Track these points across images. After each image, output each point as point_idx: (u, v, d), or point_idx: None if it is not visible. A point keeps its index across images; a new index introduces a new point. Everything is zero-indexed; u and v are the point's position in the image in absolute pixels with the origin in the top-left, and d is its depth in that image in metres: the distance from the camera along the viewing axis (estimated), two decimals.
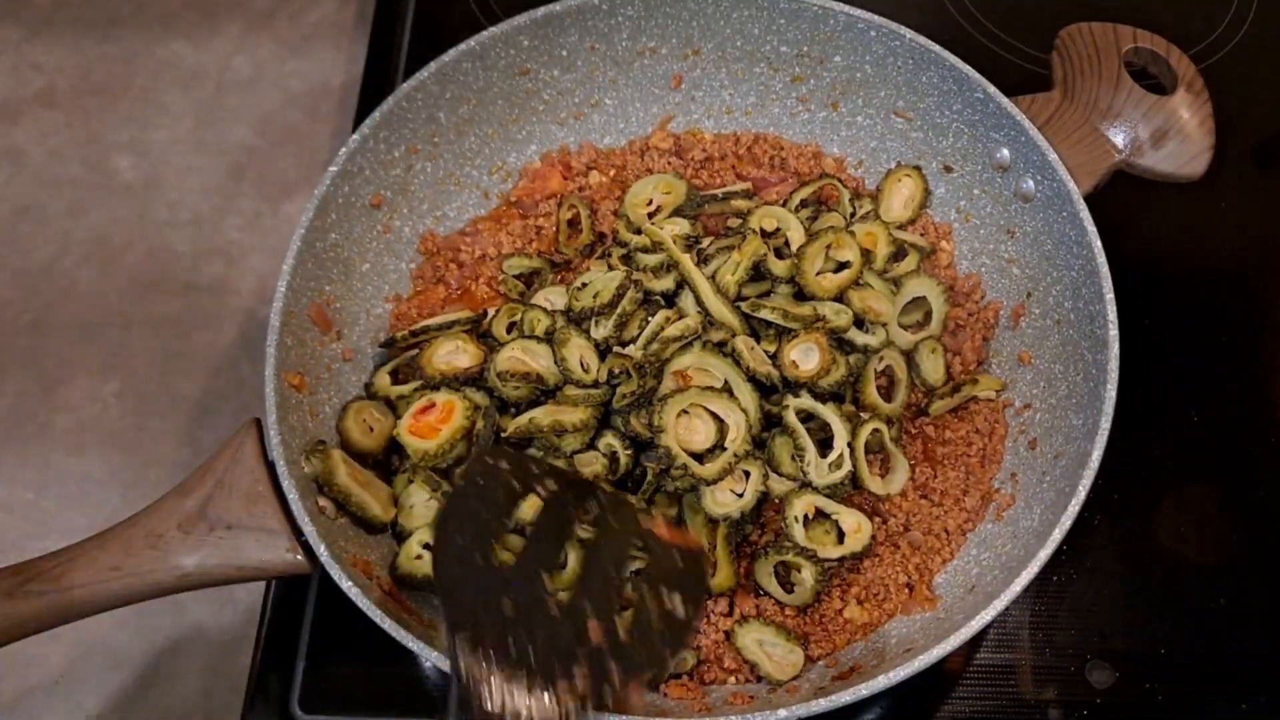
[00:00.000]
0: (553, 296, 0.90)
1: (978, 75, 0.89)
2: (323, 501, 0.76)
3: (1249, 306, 1.00)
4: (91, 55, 1.19)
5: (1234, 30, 1.14)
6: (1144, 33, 0.94)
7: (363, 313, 0.90)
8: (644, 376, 0.82)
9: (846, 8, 0.92)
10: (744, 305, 0.85)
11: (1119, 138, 0.89)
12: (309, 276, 0.84)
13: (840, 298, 0.87)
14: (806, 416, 0.82)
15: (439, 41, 0.91)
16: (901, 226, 0.95)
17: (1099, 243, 0.81)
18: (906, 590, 0.81)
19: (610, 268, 0.90)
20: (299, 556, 0.72)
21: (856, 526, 0.80)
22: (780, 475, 0.81)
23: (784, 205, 0.94)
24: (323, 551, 0.71)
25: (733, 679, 0.78)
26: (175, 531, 0.71)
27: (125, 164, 1.13)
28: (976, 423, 0.87)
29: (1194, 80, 0.92)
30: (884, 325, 0.88)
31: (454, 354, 0.85)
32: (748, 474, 0.80)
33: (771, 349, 0.84)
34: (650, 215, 0.93)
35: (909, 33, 0.91)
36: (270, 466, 0.74)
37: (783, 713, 0.66)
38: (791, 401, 0.82)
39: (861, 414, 0.84)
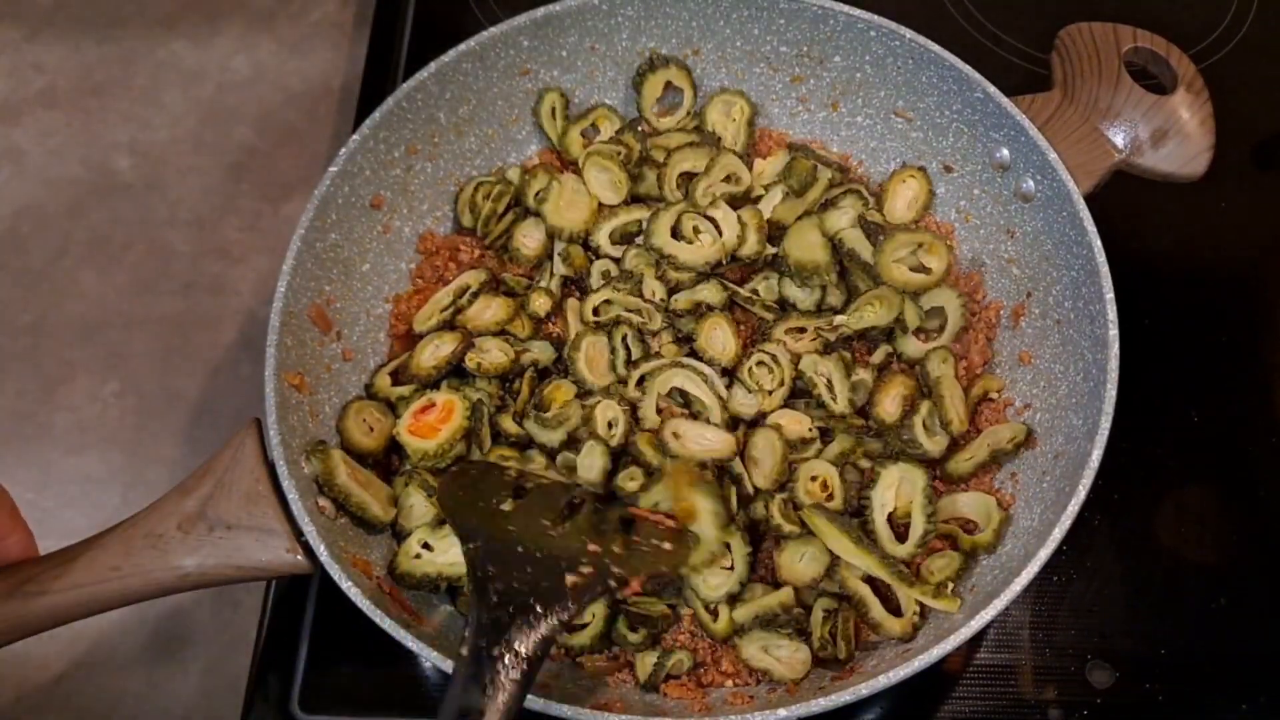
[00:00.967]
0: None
1: (978, 75, 0.89)
2: (323, 501, 0.76)
3: (1249, 306, 1.00)
4: (91, 55, 1.19)
5: (1234, 30, 1.14)
6: (1144, 33, 0.94)
7: (363, 313, 0.90)
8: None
9: (846, 8, 0.92)
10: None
11: (1119, 138, 0.89)
12: (309, 276, 0.84)
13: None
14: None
15: (439, 41, 0.91)
16: (906, 227, 0.94)
17: (1099, 243, 0.81)
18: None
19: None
20: (299, 556, 0.72)
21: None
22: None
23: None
24: (323, 551, 0.71)
25: (730, 682, 0.78)
26: (175, 531, 0.71)
27: (125, 164, 1.13)
28: (978, 423, 0.87)
29: (1194, 80, 0.92)
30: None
31: (436, 350, 0.86)
32: (728, 545, 0.78)
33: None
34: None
35: (909, 33, 0.91)
36: (270, 466, 0.74)
37: (783, 713, 0.66)
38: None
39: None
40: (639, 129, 0.97)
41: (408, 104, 0.90)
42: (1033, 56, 1.11)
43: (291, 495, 0.73)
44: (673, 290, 0.89)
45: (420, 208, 0.95)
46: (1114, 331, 0.78)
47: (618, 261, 0.91)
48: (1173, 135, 0.90)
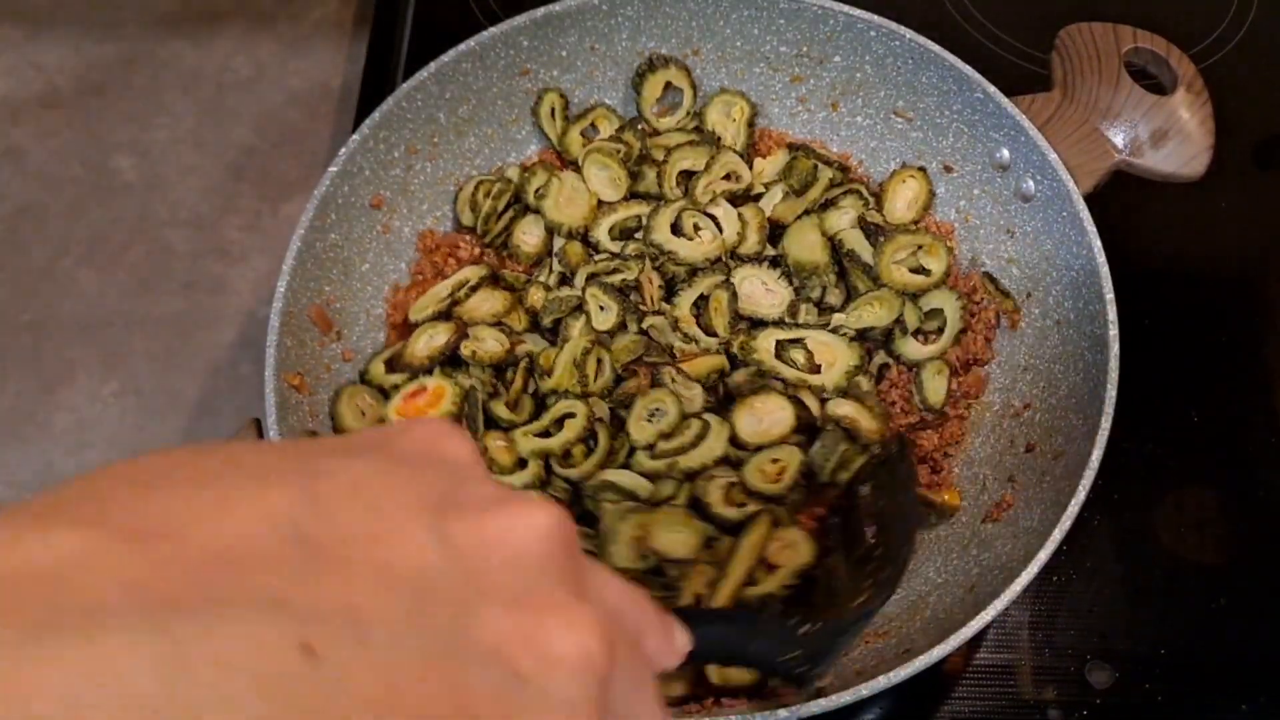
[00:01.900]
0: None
1: (978, 75, 0.88)
2: None
3: (1249, 306, 1.00)
4: (91, 55, 1.19)
5: (1234, 30, 1.14)
6: (1144, 33, 0.94)
7: (363, 313, 0.90)
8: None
9: (846, 8, 0.92)
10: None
11: (1119, 138, 0.89)
12: (309, 276, 0.84)
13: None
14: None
15: (439, 41, 0.91)
16: (906, 228, 0.94)
17: (1099, 243, 0.81)
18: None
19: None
20: None
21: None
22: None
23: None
24: None
25: None
26: None
27: (125, 164, 1.13)
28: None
29: (1194, 80, 0.92)
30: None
31: (431, 340, 0.86)
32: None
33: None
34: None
35: (909, 33, 0.91)
36: None
37: (783, 713, 0.66)
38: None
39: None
40: (639, 127, 0.97)
41: (407, 104, 0.90)
42: (1033, 56, 1.11)
43: None
44: (669, 282, 0.89)
45: (420, 207, 0.95)
46: (1114, 331, 0.78)
47: (617, 256, 0.91)
48: (1172, 135, 0.90)
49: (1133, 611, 0.86)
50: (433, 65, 0.90)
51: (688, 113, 0.98)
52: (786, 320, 0.86)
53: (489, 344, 0.86)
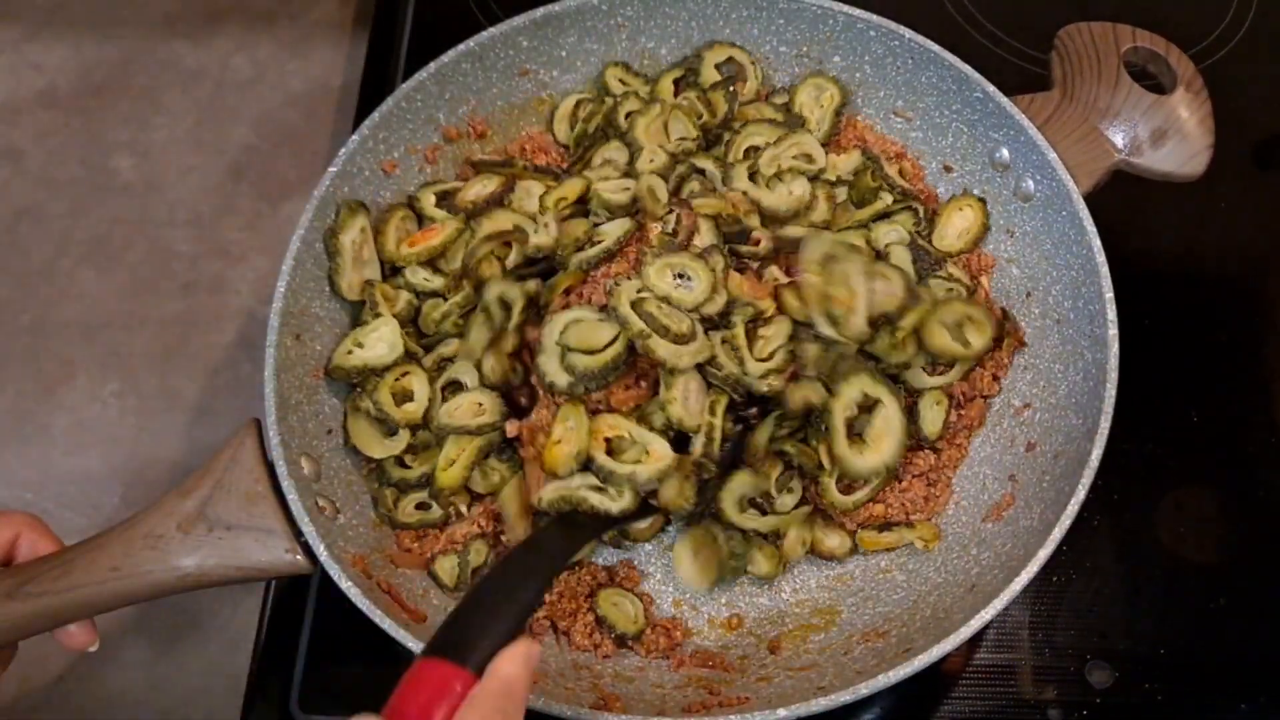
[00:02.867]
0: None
1: (977, 75, 0.89)
2: (322, 502, 0.76)
3: (1249, 306, 1.00)
4: (91, 55, 1.19)
5: (1234, 30, 1.14)
6: (1144, 32, 0.94)
7: None
8: None
9: (846, 8, 0.92)
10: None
11: (1118, 137, 0.89)
12: (309, 276, 0.84)
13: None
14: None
15: (439, 41, 0.91)
16: (954, 259, 0.91)
17: (1099, 242, 0.81)
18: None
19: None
20: (299, 557, 0.72)
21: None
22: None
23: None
24: (322, 551, 0.71)
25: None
26: (175, 532, 0.71)
27: (125, 164, 1.13)
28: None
29: (1194, 80, 0.92)
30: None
31: (483, 187, 0.90)
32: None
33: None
34: None
35: (909, 33, 0.91)
36: (270, 467, 0.74)
37: (783, 713, 0.66)
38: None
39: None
40: (730, 88, 0.95)
41: (407, 104, 0.90)
42: (1033, 56, 1.11)
43: (291, 495, 0.73)
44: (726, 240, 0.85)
45: None
46: (1114, 331, 0.78)
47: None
48: (1172, 135, 0.90)
49: (1133, 611, 0.86)
50: (432, 65, 0.90)
51: (760, 84, 0.97)
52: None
53: (530, 203, 0.88)
